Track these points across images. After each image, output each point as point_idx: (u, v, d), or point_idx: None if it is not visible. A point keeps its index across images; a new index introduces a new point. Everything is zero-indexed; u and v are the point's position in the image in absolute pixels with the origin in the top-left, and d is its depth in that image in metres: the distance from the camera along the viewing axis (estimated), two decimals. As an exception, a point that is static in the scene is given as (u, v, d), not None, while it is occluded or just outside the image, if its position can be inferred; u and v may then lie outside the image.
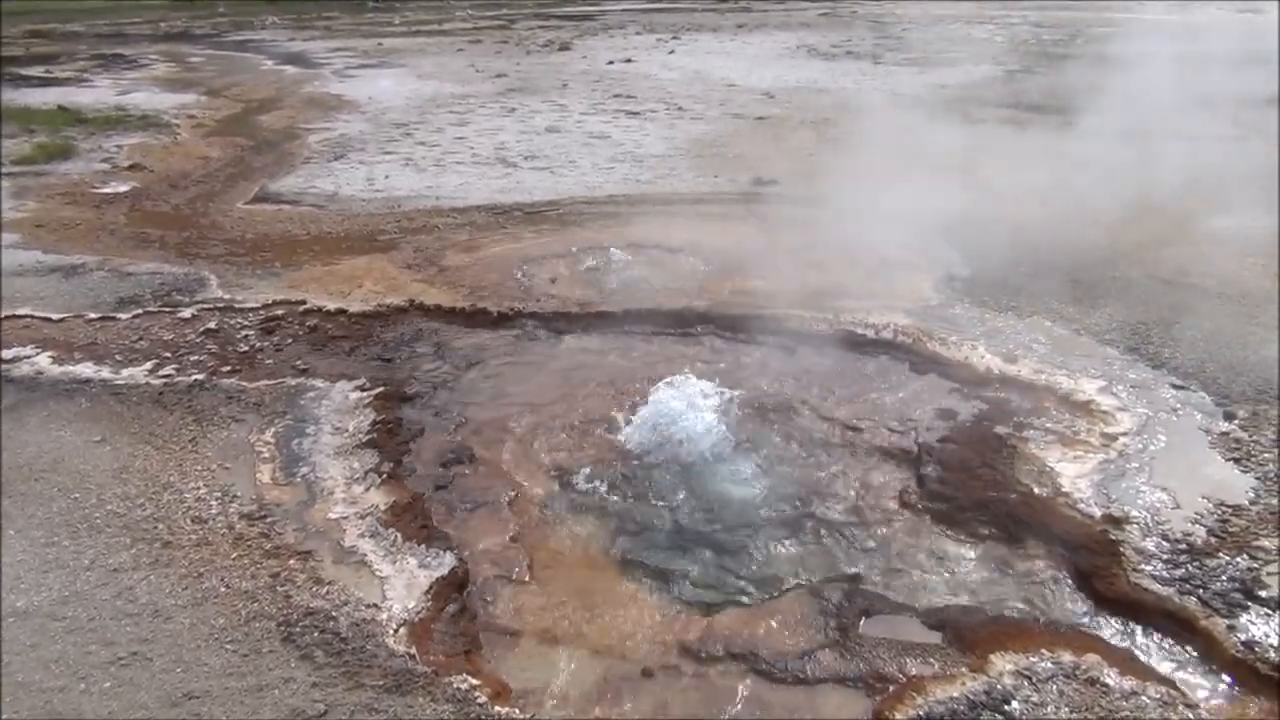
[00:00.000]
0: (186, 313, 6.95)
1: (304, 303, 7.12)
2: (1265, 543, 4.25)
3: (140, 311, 6.97)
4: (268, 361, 6.22)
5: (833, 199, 9.58)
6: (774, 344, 6.44)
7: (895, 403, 5.67)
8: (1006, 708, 3.42)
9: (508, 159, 12.01)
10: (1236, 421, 5.29)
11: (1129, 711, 3.40)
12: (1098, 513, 4.49)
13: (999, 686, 3.51)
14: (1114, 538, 4.31)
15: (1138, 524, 4.40)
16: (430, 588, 4.08)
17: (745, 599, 4.12)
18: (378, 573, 4.16)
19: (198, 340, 6.49)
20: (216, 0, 40.90)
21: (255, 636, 3.75)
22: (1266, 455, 4.94)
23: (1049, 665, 3.61)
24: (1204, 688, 3.56)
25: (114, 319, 6.84)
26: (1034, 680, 3.54)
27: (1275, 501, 4.55)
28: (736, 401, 5.54)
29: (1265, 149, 11.23)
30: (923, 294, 7.20)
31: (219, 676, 3.54)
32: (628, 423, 5.42)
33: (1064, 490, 4.67)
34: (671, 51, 23.08)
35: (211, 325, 6.72)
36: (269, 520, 4.51)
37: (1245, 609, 3.88)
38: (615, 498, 4.81)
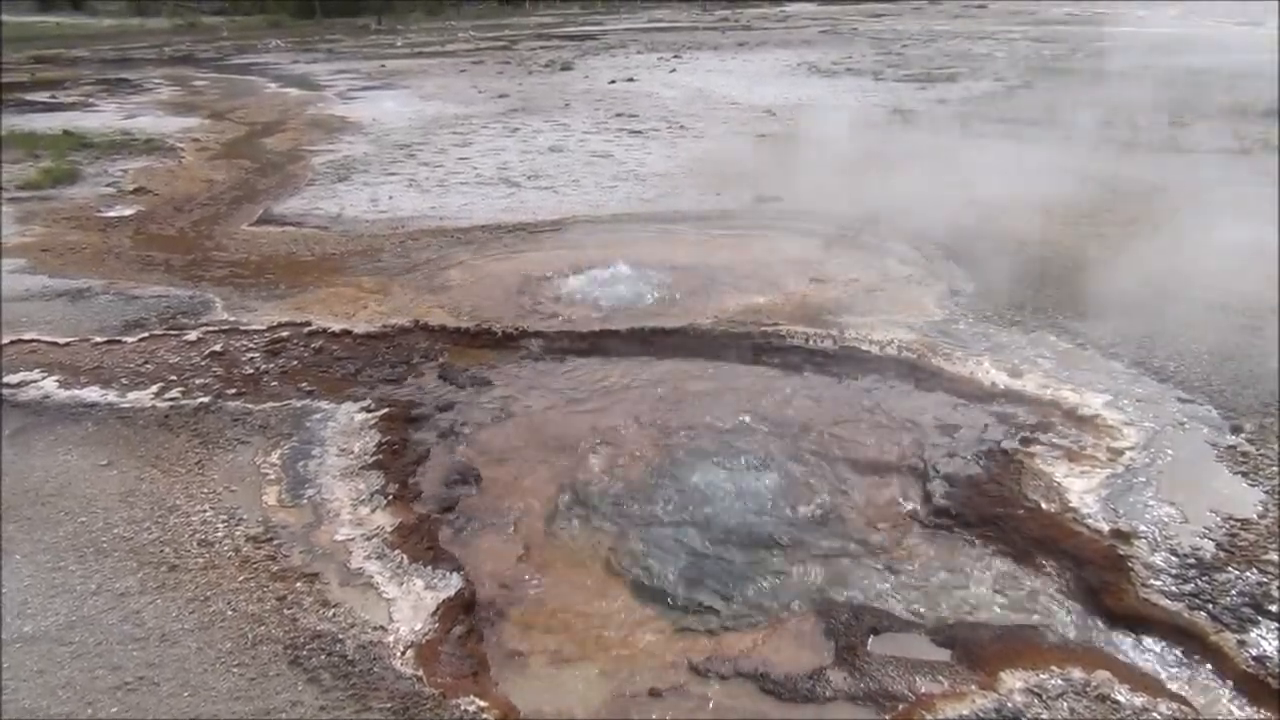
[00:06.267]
0: (192, 335, 6.97)
1: (309, 324, 7.14)
2: (1274, 556, 4.23)
3: (146, 335, 7.00)
4: (273, 383, 6.23)
5: (834, 215, 9.62)
6: (779, 363, 6.46)
7: (902, 417, 5.67)
8: (1017, 726, 3.41)
9: (511, 179, 12.06)
10: (1243, 435, 5.27)
11: (1141, 728, 3.38)
12: (1106, 528, 4.47)
13: (1009, 704, 3.49)
14: (1122, 553, 4.30)
15: (1146, 539, 4.39)
16: (437, 609, 4.07)
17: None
18: (384, 594, 4.15)
19: (203, 363, 6.52)
20: (220, 25, 41.23)
21: (262, 660, 3.74)
22: (1274, 469, 4.92)
23: (1059, 682, 3.59)
24: (1215, 703, 3.53)
25: (120, 342, 6.86)
26: (1044, 697, 3.51)
27: (1284, 515, 4.53)
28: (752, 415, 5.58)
29: (1266, 161, 11.25)
30: (926, 309, 7.21)
31: (226, 700, 3.53)
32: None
33: (1071, 505, 4.66)
34: (673, 70, 23.19)
35: (217, 348, 6.74)
36: (275, 543, 4.51)
37: (1255, 624, 3.85)
38: (623, 524, 4.79)
